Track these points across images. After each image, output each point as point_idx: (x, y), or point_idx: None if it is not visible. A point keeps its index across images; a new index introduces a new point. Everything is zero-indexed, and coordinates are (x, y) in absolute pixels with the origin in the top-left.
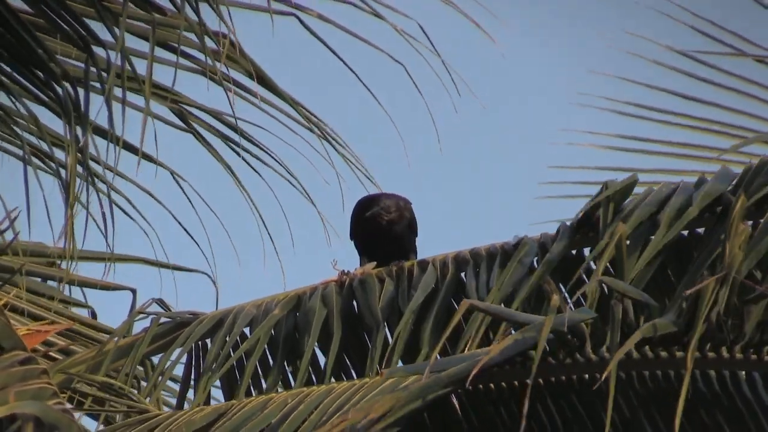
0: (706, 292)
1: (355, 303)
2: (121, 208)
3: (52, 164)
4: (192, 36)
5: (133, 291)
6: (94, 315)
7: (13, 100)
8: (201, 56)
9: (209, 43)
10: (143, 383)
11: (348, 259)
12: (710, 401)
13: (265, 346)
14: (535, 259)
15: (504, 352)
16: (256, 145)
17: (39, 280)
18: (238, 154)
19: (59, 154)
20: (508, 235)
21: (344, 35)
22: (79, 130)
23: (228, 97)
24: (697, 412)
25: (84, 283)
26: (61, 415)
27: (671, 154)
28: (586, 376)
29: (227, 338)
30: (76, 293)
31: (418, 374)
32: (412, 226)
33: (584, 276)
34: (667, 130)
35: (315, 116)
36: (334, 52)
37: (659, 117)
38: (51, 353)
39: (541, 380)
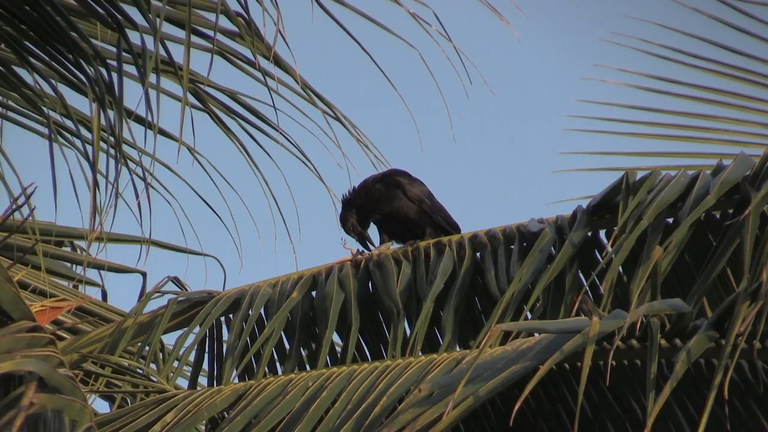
0: (737, 315)
1: (370, 284)
2: (155, 189)
3: (79, 144)
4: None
5: (144, 274)
6: (105, 295)
7: (39, 79)
8: (220, 37)
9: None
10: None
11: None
12: (743, 390)
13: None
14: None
15: (541, 359)
16: (271, 126)
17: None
18: (251, 135)
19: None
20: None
21: (358, 18)
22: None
23: (270, 91)
24: (730, 400)
25: (95, 265)
26: (65, 379)
27: (701, 99)
28: (614, 362)
29: (244, 324)
30: (88, 275)
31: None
32: (414, 200)
33: (602, 261)
34: (698, 74)
35: (326, 100)
36: (348, 33)
37: (692, 62)
38: (59, 332)
39: (567, 365)
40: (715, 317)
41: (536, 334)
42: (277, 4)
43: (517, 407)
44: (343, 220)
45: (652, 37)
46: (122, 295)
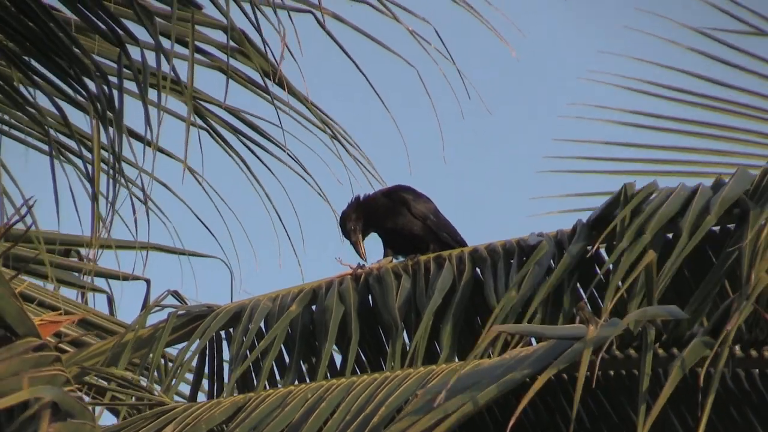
0: (733, 318)
1: (370, 298)
2: (149, 201)
3: (78, 156)
4: (207, 31)
5: (147, 281)
6: (111, 301)
7: (34, 91)
8: (217, 52)
9: (222, 38)
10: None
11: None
12: (740, 399)
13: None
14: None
15: (538, 367)
16: (273, 143)
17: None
18: (253, 152)
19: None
20: (512, 221)
21: (359, 35)
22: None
23: (277, 111)
24: (727, 409)
25: (99, 273)
26: (75, 402)
27: (681, 131)
28: (611, 372)
29: (244, 337)
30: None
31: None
32: (418, 217)
33: (602, 276)
34: (679, 107)
35: (326, 115)
36: (346, 53)
37: (671, 95)
38: (62, 345)
39: (565, 375)
40: (712, 324)
41: (534, 342)
42: (291, 19)
43: (514, 418)
44: (346, 217)
45: (629, 72)
46: (126, 303)
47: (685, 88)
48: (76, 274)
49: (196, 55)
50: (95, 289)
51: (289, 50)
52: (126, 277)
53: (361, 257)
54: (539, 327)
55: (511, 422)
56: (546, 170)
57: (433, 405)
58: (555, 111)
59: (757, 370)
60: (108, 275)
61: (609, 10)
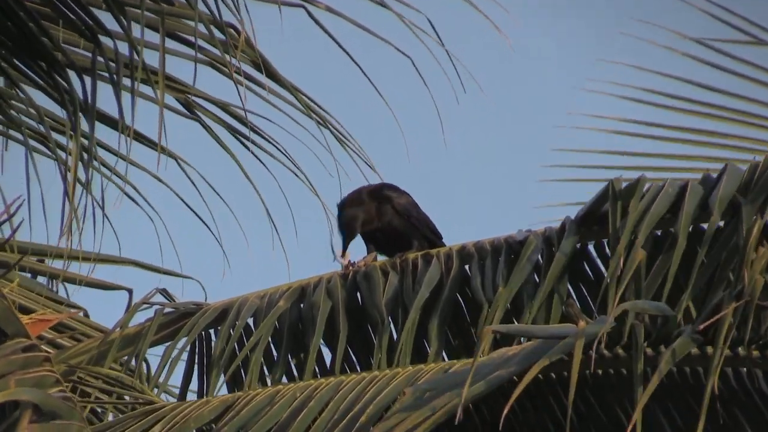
0: (725, 317)
1: (359, 295)
2: (132, 196)
3: (55, 151)
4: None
5: (130, 291)
6: (87, 316)
7: (15, 88)
8: (207, 46)
9: (217, 34)
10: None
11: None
12: (727, 398)
13: (269, 339)
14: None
15: (526, 365)
16: (262, 136)
17: (30, 276)
18: (246, 146)
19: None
20: (511, 224)
21: (352, 26)
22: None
23: (239, 91)
24: (714, 407)
25: (79, 281)
26: (61, 403)
27: (679, 139)
28: (600, 371)
29: (231, 331)
30: (71, 291)
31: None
32: (402, 214)
33: (590, 273)
34: (677, 116)
35: (318, 105)
36: (340, 46)
37: (668, 102)
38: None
39: (554, 375)
40: (701, 321)
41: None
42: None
43: (505, 412)
44: (352, 217)
45: (626, 80)
46: (106, 312)
47: (683, 96)
48: (47, 280)
49: (187, 50)
50: (69, 305)
51: (251, 39)
52: (106, 287)
53: (338, 257)
54: (530, 327)
55: (504, 413)
56: (545, 179)
57: (421, 402)
58: (551, 121)
59: (744, 369)
60: (90, 284)
61: (607, 20)
